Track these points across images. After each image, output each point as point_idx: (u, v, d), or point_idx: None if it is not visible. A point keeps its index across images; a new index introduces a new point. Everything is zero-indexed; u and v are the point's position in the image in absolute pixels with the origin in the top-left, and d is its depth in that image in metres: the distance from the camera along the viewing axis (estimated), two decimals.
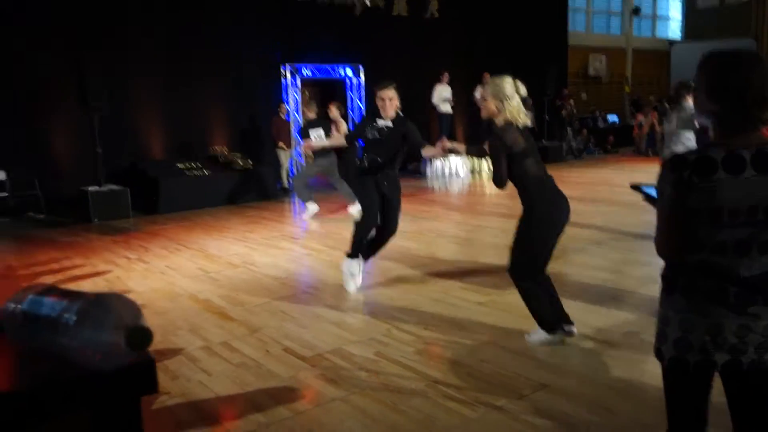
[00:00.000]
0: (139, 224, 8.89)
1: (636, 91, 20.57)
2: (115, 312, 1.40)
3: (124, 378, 1.41)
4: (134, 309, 1.43)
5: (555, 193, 3.70)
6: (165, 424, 3.12)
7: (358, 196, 5.28)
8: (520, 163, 3.59)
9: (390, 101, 4.94)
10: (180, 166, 10.29)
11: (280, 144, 11.21)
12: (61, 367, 1.39)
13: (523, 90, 3.74)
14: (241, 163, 10.67)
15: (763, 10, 21.10)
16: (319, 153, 8.56)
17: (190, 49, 10.84)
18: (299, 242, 7.38)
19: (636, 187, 2.18)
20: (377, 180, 5.00)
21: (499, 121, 3.70)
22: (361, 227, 5.07)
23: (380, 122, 4.95)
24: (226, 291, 5.35)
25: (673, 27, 23.65)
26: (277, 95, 11.97)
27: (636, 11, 20.84)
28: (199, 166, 10.39)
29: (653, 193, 2.06)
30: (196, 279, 5.81)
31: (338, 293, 5.16)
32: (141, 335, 1.37)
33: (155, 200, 9.73)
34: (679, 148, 6.33)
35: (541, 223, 3.64)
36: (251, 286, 5.47)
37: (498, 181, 3.59)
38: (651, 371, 3.35)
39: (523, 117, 3.71)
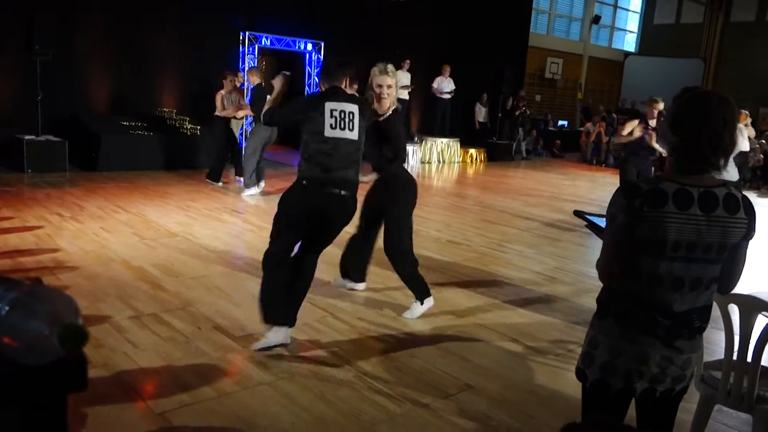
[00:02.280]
0: (76, 180, 8.55)
1: (588, 99, 21.07)
2: (51, 306, 1.32)
3: (53, 374, 1.33)
4: (72, 307, 1.36)
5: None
6: (83, 395, 3.01)
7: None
8: None
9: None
10: (124, 123, 9.92)
11: (234, 114, 10.94)
12: None
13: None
14: (188, 127, 10.38)
15: (714, 32, 21.92)
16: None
17: (147, 5, 10.42)
18: (242, 217, 7.26)
19: (580, 215, 2.22)
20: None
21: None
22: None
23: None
24: (161, 260, 5.22)
25: (629, 39, 24.28)
26: (233, 63, 11.66)
27: (596, 20, 21.26)
28: (145, 125, 10.05)
29: (597, 221, 2.11)
30: (131, 245, 5.64)
31: None
32: (75, 334, 1.29)
33: (95, 156, 9.37)
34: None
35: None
36: (188, 258, 5.35)
37: None
38: (574, 382, 3.46)
39: None
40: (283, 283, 3.63)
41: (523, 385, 3.44)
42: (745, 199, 1.83)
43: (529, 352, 3.89)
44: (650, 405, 1.95)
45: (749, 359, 2.48)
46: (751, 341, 2.51)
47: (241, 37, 11.80)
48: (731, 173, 6.85)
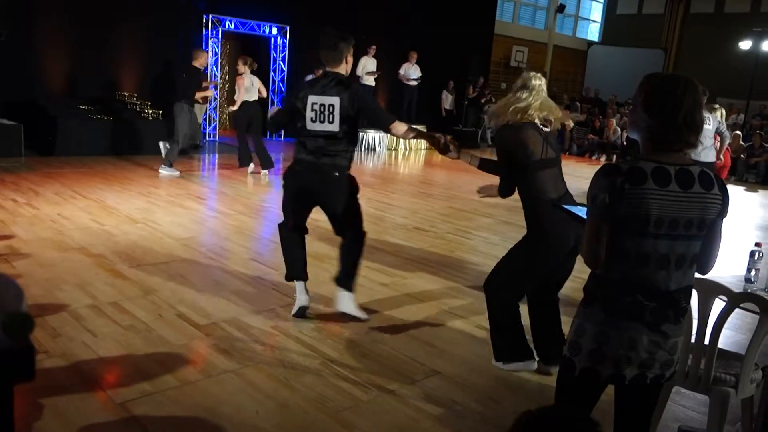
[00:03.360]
0: (32, 165, 8.29)
1: (552, 87, 21.28)
2: None
3: None
4: (16, 293, 1.30)
5: None
6: (39, 386, 2.93)
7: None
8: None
9: None
10: (83, 107, 9.64)
11: (196, 97, 10.73)
12: None
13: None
14: (150, 112, 10.14)
15: (674, 24, 22.34)
16: (248, 103, 8.67)
17: None
18: (206, 203, 7.14)
19: (557, 206, 2.23)
20: None
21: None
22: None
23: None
24: (121, 247, 5.10)
25: (593, 29, 24.56)
26: (196, 46, 11.41)
27: (561, 9, 21.43)
28: (104, 109, 9.78)
29: (577, 212, 2.12)
30: (89, 231, 5.49)
31: (242, 261, 5.04)
32: (20, 322, 1.23)
33: (52, 140, 9.09)
34: None
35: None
36: (150, 245, 5.24)
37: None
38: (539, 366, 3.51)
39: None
40: (298, 246, 4.02)
41: (489, 370, 3.46)
42: (717, 176, 1.88)
43: None
44: (639, 391, 1.94)
45: (707, 342, 2.54)
46: (708, 324, 2.56)
47: (204, 20, 11.56)
48: (709, 154, 7.12)
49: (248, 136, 8.86)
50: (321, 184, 3.79)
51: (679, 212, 1.80)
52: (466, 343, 3.81)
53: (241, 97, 8.66)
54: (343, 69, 3.80)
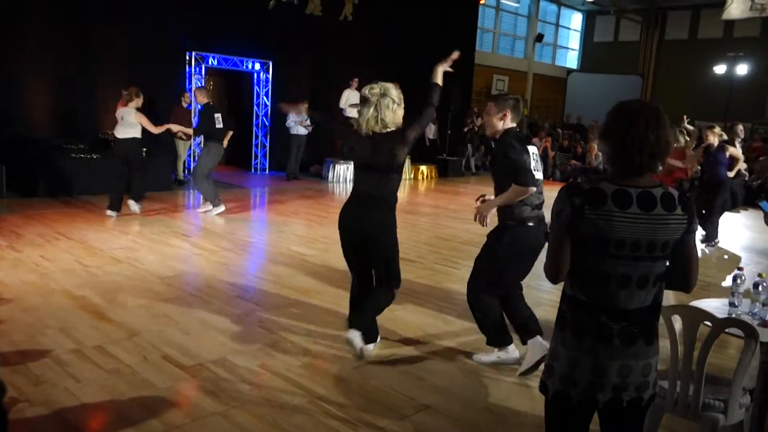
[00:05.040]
0: (14, 207, 8.20)
1: (534, 115, 21.57)
2: None
3: None
4: None
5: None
6: None
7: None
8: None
9: None
10: (66, 146, 9.60)
11: (179, 134, 10.75)
12: None
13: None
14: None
15: (650, 50, 22.86)
16: (215, 139, 8.37)
17: (87, 24, 10.17)
18: (191, 240, 7.10)
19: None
20: None
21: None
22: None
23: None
24: (105, 289, 5.04)
25: (572, 57, 25.06)
26: (179, 83, 11.48)
27: (539, 38, 21.88)
28: (87, 148, 9.73)
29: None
30: (72, 273, 5.43)
31: (228, 299, 5.00)
32: None
33: (34, 181, 9.02)
34: None
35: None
36: (134, 285, 5.18)
37: None
38: (528, 397, 3.49)
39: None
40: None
41: (480, 403, 3.43)
42: (682, 196, 1.90)
43: (484, 369, 3.90)
44: (617, 415, 1.94)
45: (694, 368, 2.54)
46: (695, 351, 2.57)
47: (187, 57, 11.64)
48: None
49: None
50: None
51: (642, 234, 1.82)
52: (457, 376, 3.78)
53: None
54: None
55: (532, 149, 3.63)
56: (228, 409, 3.19)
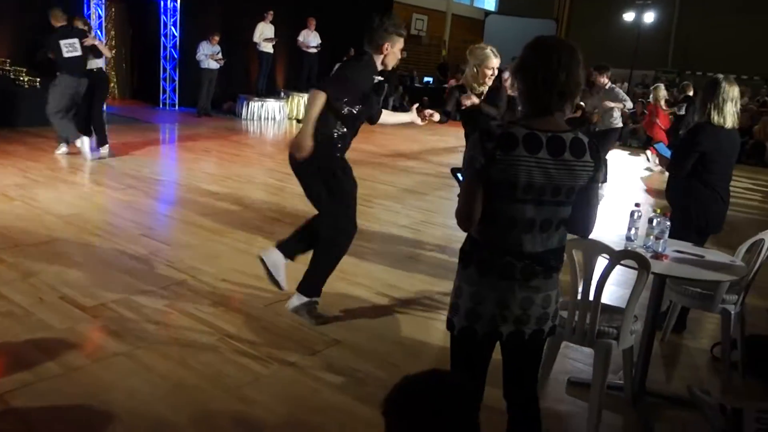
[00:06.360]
0: None
1: (452, 56, 21.58)
2: None
3: None
4: None
5: None
6: None
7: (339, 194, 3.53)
8: None
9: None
10: None
11: None
12: None
13: None
14: (26, 80, 9.36)
15: None
16: (65, 71, 7.27)
17: None
18: (93, 178, 6.71)
19: (455, 173, 2.25)
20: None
21: None
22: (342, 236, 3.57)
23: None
24: None
25: None
26: (76, 9, 10.59)
27: None
28: None
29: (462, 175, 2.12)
30: None
31: (133, 237, 4.78)
32: None
33: None
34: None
35: None
36: (29, 224, 4.86)
37: None
38: (439, 330, 3.59)
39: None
40: None
41: (390, 337, 3.50)
42: (592, 143, 1.90)
43: (395, 304, 3.96)
44: (518, 348, 2.00)
45: (591, 298, 2.67)
46: (592, 282, 2.69)
47: None
48: (617, 120, 7.81)
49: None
50: None
51: (548, 179, 1.82)
52: (367, 312, 3.82)
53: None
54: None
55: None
56: (133, 350, 3.09)
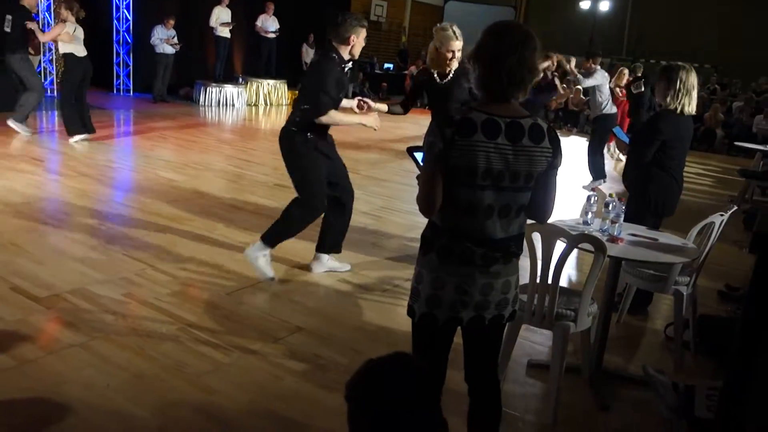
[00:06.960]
0: None
1: (412, 42, 21.55)
2: None
3: None
4: None
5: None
6: None
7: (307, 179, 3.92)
8: None
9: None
10: None
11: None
12: None
13: None
14: None
15: None
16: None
17: None
18: (44, 166, 6.49)
19: (412, 152, 2.23)
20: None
21: None
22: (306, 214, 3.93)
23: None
24: None
25: None
26: None
27: None
28: None
29: (420, 158, 2.12)
30: None
31: (87, 227, 4.66)
32: None
33: None
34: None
35: None
36: None
37: None
38: (400, 315, 3.60)
39: None
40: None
41: (352, 323, 3.50)
42: (550, 129, 1.91)
43: (357, 290, 3.96)
44: (479, 333, 2.02)
45: (550, 281, 2.72)
46: (551, 265, 2.74)
47: None
48: (608, 107, 7.75)
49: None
50: None
51: (507, 165, 1.83)
52: (329, 298, 3.82)
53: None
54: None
55: None
56: (89, 340, 3.02)
